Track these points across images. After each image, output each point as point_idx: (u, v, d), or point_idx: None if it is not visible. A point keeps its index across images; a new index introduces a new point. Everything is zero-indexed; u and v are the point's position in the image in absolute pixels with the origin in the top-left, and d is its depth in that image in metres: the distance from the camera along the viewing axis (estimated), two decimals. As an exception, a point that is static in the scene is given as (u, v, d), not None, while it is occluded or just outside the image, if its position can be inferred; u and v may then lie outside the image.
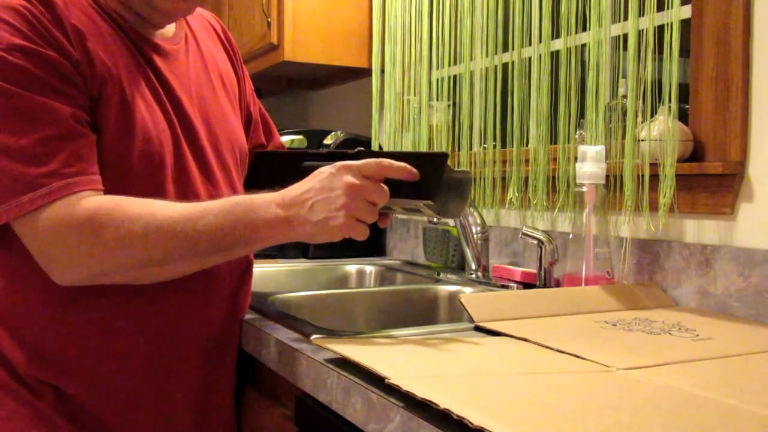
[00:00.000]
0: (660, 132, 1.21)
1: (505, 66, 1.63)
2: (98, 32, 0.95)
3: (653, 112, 1.24)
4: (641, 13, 1.27)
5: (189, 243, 0.89)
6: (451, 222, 1.64)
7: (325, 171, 0.90)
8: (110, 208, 0.88)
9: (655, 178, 1.23)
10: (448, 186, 0.92)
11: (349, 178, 0.88)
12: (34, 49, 0.88)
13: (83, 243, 0.87)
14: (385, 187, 0.89)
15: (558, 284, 1.36)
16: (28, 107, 0.87)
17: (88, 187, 0.89)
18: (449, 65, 1.81)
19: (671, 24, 1.20)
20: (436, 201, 0.90)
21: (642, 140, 1.24)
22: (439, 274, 1.61)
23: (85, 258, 0.88)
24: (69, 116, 0.89)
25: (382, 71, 2.03)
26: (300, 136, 2.06)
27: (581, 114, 1.40)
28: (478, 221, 1.55)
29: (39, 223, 0.87)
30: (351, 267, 1.85)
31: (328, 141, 2.02)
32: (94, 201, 0.88)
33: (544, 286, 1.37)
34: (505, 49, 1.62)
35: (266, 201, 0.91)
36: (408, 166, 0.90)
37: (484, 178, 1.66)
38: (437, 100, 1.85)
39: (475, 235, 1.53)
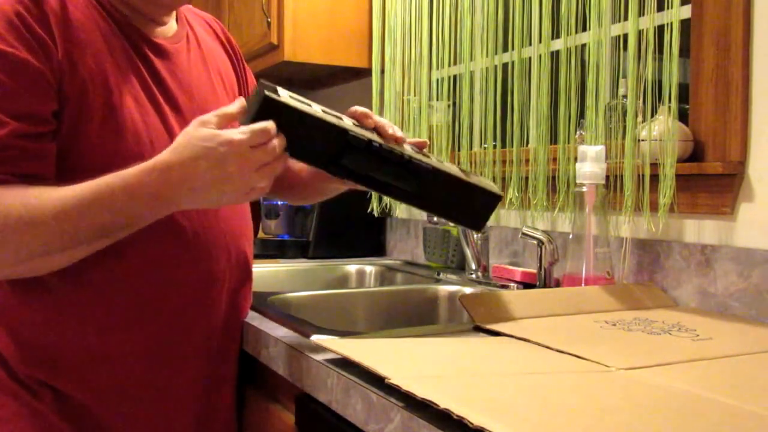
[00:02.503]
0: (660, 132, 1.21)
1: (505, 66, 1.63)
2: (92, 30, 0.95)
3: (653, 112, 1.24)
4: (641, 13, 1.27)
5: (67, 233, 0.85)
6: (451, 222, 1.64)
7: (212, 154, 0.82)
8: None
9: (655, 178, 1.23)
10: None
11: (239, 158, 0.82)
12: (3, 51, 0.86)
13: None
14: (275, 143, 0.84)
15: (558, 284, 1.36)
16: None
17: None
18: (449, 65, 1.81)
19: (671, 24, 1.20)
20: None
21: (642, 140, 1.24)
22: (439, 274, 1.61)
23: None
24: (8, 131, 0.86)
25: (382, 71, 2.03)
26: None
27: (581, 114, 1.40)
28: (478, 221, 1.55)
29: None
30: (351, 267, 1.85)
31: None
32: None
33: (544, 286, 1.37)
34: (505, 49, 1.62)
35: (145, 182, 0.84)
36: None
37: (484, 178, 1.66)
38: (437, 100, 1.85)
39: (475, 235, 1.53)
